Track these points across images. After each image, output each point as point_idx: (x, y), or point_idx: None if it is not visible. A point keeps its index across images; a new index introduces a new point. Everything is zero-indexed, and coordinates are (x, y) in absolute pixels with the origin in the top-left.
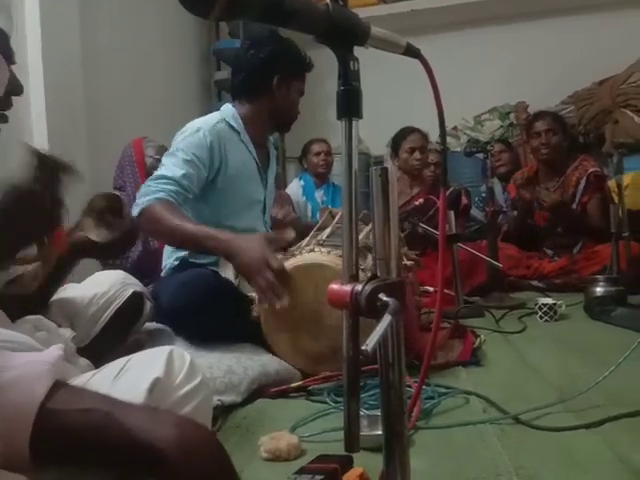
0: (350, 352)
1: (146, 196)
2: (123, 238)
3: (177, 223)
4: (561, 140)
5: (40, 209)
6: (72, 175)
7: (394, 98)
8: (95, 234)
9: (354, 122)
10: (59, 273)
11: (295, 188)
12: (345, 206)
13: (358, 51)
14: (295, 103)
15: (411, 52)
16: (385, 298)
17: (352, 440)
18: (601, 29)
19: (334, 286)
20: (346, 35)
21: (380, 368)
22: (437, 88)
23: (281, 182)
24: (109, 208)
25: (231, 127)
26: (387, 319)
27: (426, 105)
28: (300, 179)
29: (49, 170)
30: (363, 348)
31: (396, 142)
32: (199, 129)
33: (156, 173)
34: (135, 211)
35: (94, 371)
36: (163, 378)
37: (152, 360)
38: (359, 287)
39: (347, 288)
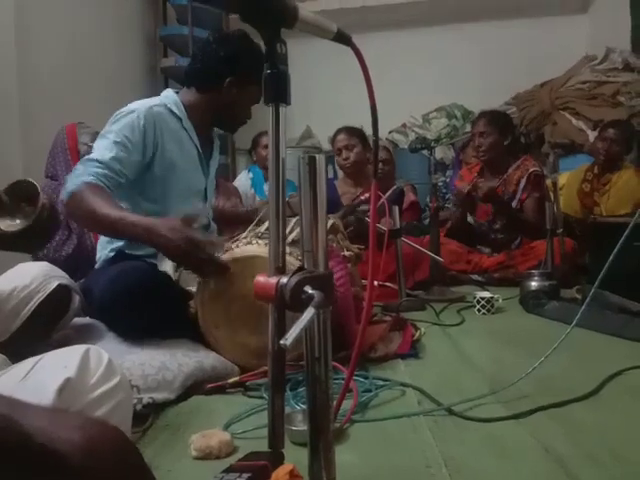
0: (275, 347)
1: (74, 180)
2: (36, 227)
3: (100, 210)
4: (497, 140)
5: None
6: None
7: (346, 94)
8: (6, 224)
9: (282, 108)
10: None
11: (244, 180)
12: (271, 196)
13: (315, 46)
14: (242, 108)
15: (342, 39)
16: (310, 291)
17: (276, 437)
18: (544, 33)
19: (260, 278)
20: (270, 15)
21: (306, 362)
22: (369, 77)
23: (230, 174)
24: (26, 196)
25: (172, 113)
26: (310, 312)
27: (378, 102)
28: (249, 171)
29: None
30: (282, 342)
31: (332, 142)
32: (133, 111)
33: (86, 157)
34: (63, 196)
35: (1, 371)
36: (75, 378)
37: (65, 359)
38: (284, 279)
39: (272, 281)
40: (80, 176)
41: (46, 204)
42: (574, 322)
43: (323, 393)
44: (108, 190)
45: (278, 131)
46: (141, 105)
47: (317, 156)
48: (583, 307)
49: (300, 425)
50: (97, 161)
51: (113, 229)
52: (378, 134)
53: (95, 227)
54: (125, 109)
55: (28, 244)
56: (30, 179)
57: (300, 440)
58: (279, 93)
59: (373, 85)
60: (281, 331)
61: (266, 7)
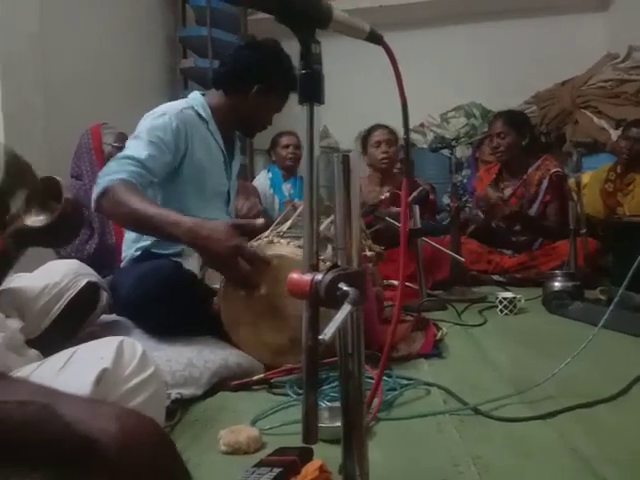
0: (309, 342)
1: (108, 176)
2: (60, 222)
3: (137, 206)
4: (514, 140)
5: None
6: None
7: (363, 94)
8: (31, 220)
9: (315, 107)
10: (3, 265)
11: (262, 180)
12: (306, 194)
13: (332, 47)
14: (265, 116)
15: (374, 38)
16: (345, 287)
17: (309, 432)
18: (565, 31)
19: (294, 275)
20: (305, 16)
21: (339, 358)
22: (400, 75)
23: (248, 174)
24: (51, 193)
25: (199, 115)
26: (346, 308)
27: (395, 102)
28: (268, 171)
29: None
30: (321, 337)
31: (364, 138)
32: (164, 113)
33: (119, 154)
34: (95, 191)
35: (39, 362)
36: (112, 369)
37: (100, 350)
38: (319, 276)
39: (307, 277)
40: (114, 173)
41: (70, 200)
42: (601, 323)
43: (356, 389)
44: (141, 188)
45: (312, 130)
46: (172, 107)
47: (351, 155)
48: (611, 308)
49: (326, 422)
50: (132, 159)
51: (150, 226)
52: (409, 132)
53: (130, 223)
54: (156, 111)
55: (53, 239)
56: (55, 176)
57: (327, 437)
58: (314, 93)
59: (390, 84)
60: (315, 327)
61: (301, 8)
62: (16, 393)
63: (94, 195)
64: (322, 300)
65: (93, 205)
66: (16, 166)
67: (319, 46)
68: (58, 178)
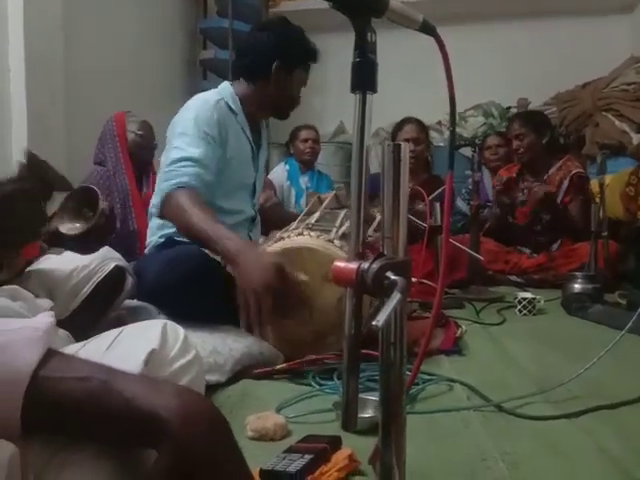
0: (352, 330)
1: (169, 181)
2: (94, 232)
3: (195, 220)
4: (534, 140)
5: (26, 220)
6: (61, 186)
7: (381, 90)
8: (67, 227)
9: (368, 96)
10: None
11: (280, 172)
12: (354, 184)
13: (350, 42)
14: (292, 92)
15: (427, 29)
16: (393, 276)
17: (349, 419)
18: (587, 33)
19: (339, 264)
20: (363, 4)
21: (381, 347)
22: (449, 67)
23: (264, 167)
24: (87, 201)
25: (229, 107)
26: (396, 297)
27: (412, 99)
28: (285, 164)
29: (40, 179)
30: (374, 323)
31: (394, 132)
32: (205, 103)
33: (173, 156)
34: (158, 198)
35: (84, 342)
36: (159, 350)
37: (147, 332)
38: (366, 265)
39: (353, 266)
40: (174, 177)
41: (105, 209)
42: (628, 325)
43: (397, 378)
44: (201, 192)
45: (364, 119)
46: (208, 99)
47: (402, 144)
48: (639, 312)
49: None
50: (187, 159)
51: (205, 245)
52: (455, 126)
53: (187, 234)
54: (194, 105)
55: (85, 246)
56: (92, 186)
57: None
58: (367, 81)
59: (409, 81)
60: (358, 315)
61: None
62: (73, 369)
63: (158, 202)
64: (368, 289)
65: (157, 211)
66: (47, 172)
67: (374, 35)
68: (95, 188)
